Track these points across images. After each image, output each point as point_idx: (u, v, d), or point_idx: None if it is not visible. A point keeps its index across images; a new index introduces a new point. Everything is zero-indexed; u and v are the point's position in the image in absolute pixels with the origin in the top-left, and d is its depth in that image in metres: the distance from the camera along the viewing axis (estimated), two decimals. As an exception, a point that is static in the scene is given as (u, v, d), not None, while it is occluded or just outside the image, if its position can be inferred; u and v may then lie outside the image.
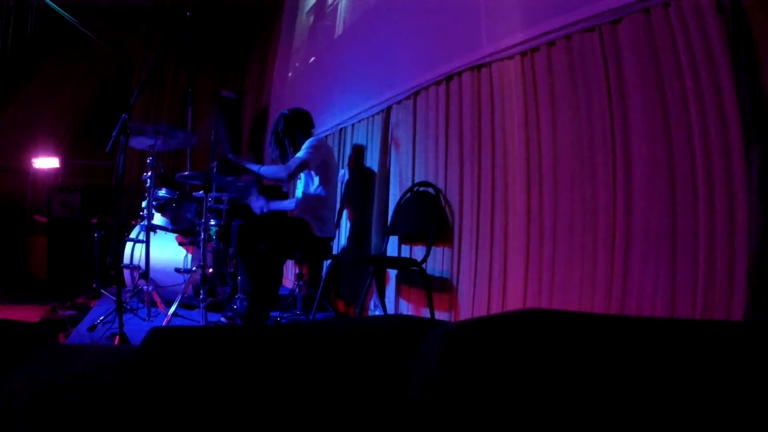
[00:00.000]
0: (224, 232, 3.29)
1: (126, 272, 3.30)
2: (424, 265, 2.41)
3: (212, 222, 3.29)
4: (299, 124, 3.01)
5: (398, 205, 2.74)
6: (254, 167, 2.90)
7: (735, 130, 1.36)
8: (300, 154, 2.81)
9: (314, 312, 2.94)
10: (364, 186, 3.33)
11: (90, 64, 6.38)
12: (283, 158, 2.99)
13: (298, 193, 3.06)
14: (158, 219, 3.28)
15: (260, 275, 2.63)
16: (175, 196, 3.25)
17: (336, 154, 3.85)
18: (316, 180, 2.92)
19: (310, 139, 2.90)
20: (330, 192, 2.94)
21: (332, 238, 3.05)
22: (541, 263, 1.93)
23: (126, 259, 3.25)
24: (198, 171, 2.95)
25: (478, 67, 2.36)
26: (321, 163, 2.87)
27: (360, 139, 3.48)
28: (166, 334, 0.67)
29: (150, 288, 2.82)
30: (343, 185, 3.63)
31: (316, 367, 0.61)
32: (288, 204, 3.19)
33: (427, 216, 2.52)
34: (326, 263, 3.60)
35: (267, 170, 2.89)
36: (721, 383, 0.44)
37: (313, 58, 4.95)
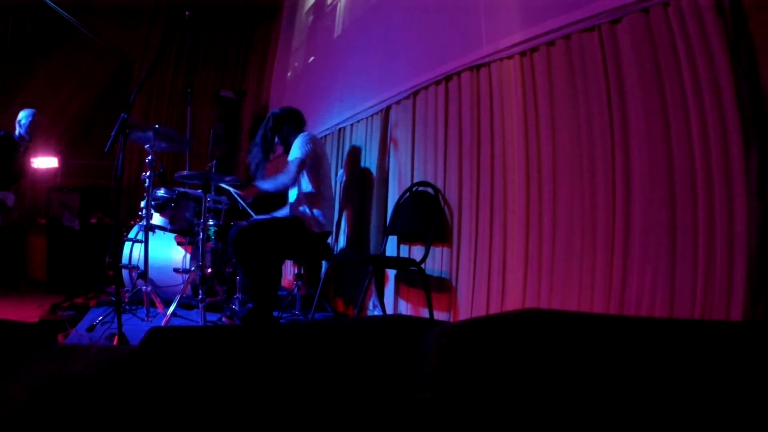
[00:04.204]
0: (222, 232, 3.29)
1: (124, 272, 3.30)
2: (423, 265, 2.41)
3: (210, 222, 3.29)
4: (289, 121, 3.01)
5: (397, 205, 2.74)
6: (260, 185, 2.86)
7: (734, 129, 1.36)
8: (294, 154, 2.81)
9: (313, 312, 2.94)
10: (363, 186, 3.33)
11: (89, 64, 6.37)
12: (266, 158, 3.01)
13: (291, 195, 3.05)
14: (157, 219, 3.28)
15: (261, 278, 2.64)
16: (174, 196, 3.25)
17: (335, 154, 3.85)
18: (308, 177, 2.91)
19: (300, 137, 2.88)
20: (322, 187, 2.92)
21: (329, 233, 3.03)
22: (540, 263, 1.93)
23: (125, 259, 3.24)
24: (197, 171, 2.95)
25: (478, 67, 2.36)
26: (314, 158, 2.86)
27: (359, 139, 3.48)
28: (164, 334, 0.67)
29: (149, 288, 2.82)
30: (341, 186, 3.63)
31: (315, 367, 0.61)
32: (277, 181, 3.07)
33: (426, 216, 2.52)
34: (325, 263, 3.60)
35: (270, 184, 2.87)
36: (720, 383, 0.44)
37: (312, 58, 4.95)
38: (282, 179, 2.82)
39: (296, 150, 2.82)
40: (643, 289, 1.56)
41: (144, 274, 2.79)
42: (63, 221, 3.92)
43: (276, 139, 3.00)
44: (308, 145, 2.82)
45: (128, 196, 5.66)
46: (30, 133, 3.82)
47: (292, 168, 2.79)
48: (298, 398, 0.57)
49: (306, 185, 2.91)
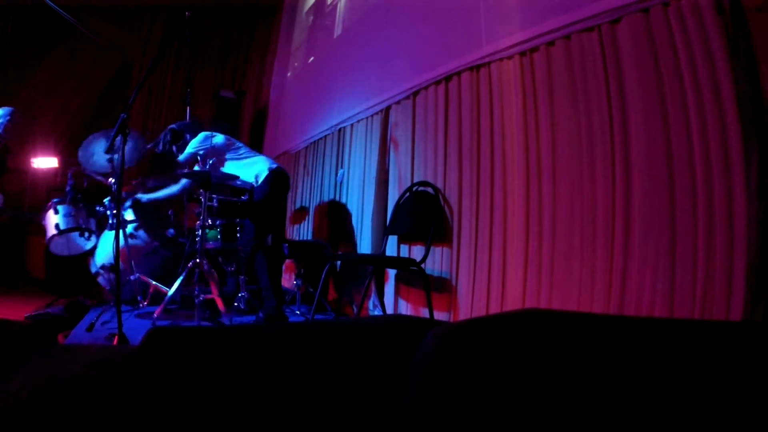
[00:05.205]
0: (227, 232, 3.29)
1: (102, 277, 3.26)
2: (423, 265, 2.41)
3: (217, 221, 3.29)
4: (187, 131, 3.15)
5: (397, 205, 2.74)
6: (163, 194, 3.14)
7: (734, 129, 1.36)
8: (187, 150, 3.01)
9: (313, 312, 2.93)
10: (363, 186, 3.33)
11: (89, 64, 6.37)
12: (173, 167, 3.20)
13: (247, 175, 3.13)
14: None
15: (273, 275, 2.81)
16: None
17: (335, 154, 3.85)
18: (227, 162, 3.07)
19: (192, 141, 3.05)
20: (239, 157, 3.08)
21: (279, 170, 3.08)
22: (540, 263, 1.93)
23: (97, 264, 3.23)
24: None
25: (477, 67, 2.36)
26: (212, 149, 3.01)
27: (359, 139, 3.48)
28: (165, 334, 0.67)
29: (136, 276, 2.89)
30: (341, 185, 3.63)
31: (316, 367, 0.61)
32: (165, 191, 3.23)
33: (426, 216, 2.52)
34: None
35: (170, 189, 3.12)
36: (720, 383, 0.44)
37: (312, 58, 4.95)
38: (182, 187, 3.07)
39: (189, 147, 3.02)
40: (643, 289, 1.56)
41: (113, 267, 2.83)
42: (41, 221, 3.89)
43: (175, 149, 3.15)
44: (200, 143, 3.01)
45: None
46: (7, 131, 3.75)
47: (183, 162, 3.02)
48: (297, 399, 0.57)
49: (231, 168, 3.06)
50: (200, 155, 3.01)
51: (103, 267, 3.08)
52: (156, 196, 3.15)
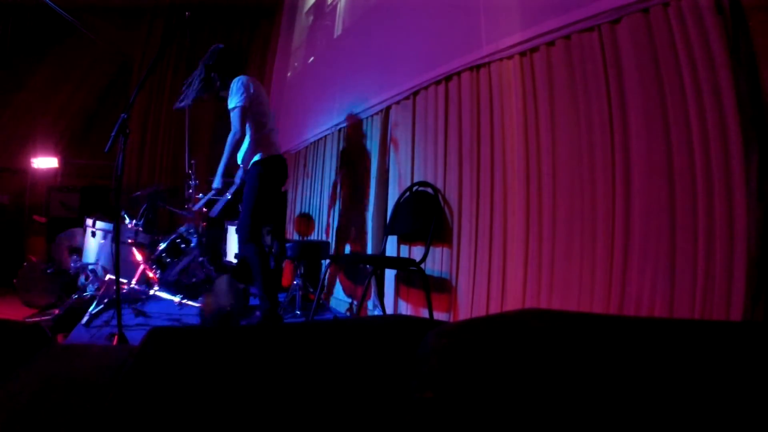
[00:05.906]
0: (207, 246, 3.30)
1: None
2: (423, 265, 2.41)
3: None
4: (231, 61, 2.91)
5: (397, 205, 2.74)
6: (223, 162, 2.82)
7: (734, 130, 1.36)
8: (233, 103, 2.72)
9: (313, 312, 2.94)
10: (363, 186, 3.33)
11: (89, 64, 6.38)
12: (203, 94, 2.93)
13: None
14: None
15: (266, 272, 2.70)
16: None
17: (335, 155, 3.85)
18: (249, 122, 2.81)
19: (234, 82, 2.77)
20: (261, 126, 2.83)
21: (280, 159, 2.94)
22: (540, 263, 1.93)
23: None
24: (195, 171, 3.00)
25: (477, 67, 2.36)
26: (251, 101, 2.76)
27: (359, 140, 3.48)
28: (165, 334, 0.67)
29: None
30: (341, 184, 3.64)
31: (316, 368, 0.61)
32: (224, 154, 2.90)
33: (425, 216, 2.52)
34: (324, 263, 3.60)
35: (227, 152, 2.78)
36: (720, 383, 0.44)
37: (312, 58, 4.95)
38: (234, 137, 2.73)
39: (234, 98, 2.73)
40: (643, 289, 1.56)
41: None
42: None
43: (214, 75, 2.90)
44: (243, 88, 2.72)
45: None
46: None
47: (236, 120, 2.71)
48: (298, 399, 0.57)
49: (249, 131, 2.83)
50: (251, 101, 2.71)
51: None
52: (222, 162, 2.80)
